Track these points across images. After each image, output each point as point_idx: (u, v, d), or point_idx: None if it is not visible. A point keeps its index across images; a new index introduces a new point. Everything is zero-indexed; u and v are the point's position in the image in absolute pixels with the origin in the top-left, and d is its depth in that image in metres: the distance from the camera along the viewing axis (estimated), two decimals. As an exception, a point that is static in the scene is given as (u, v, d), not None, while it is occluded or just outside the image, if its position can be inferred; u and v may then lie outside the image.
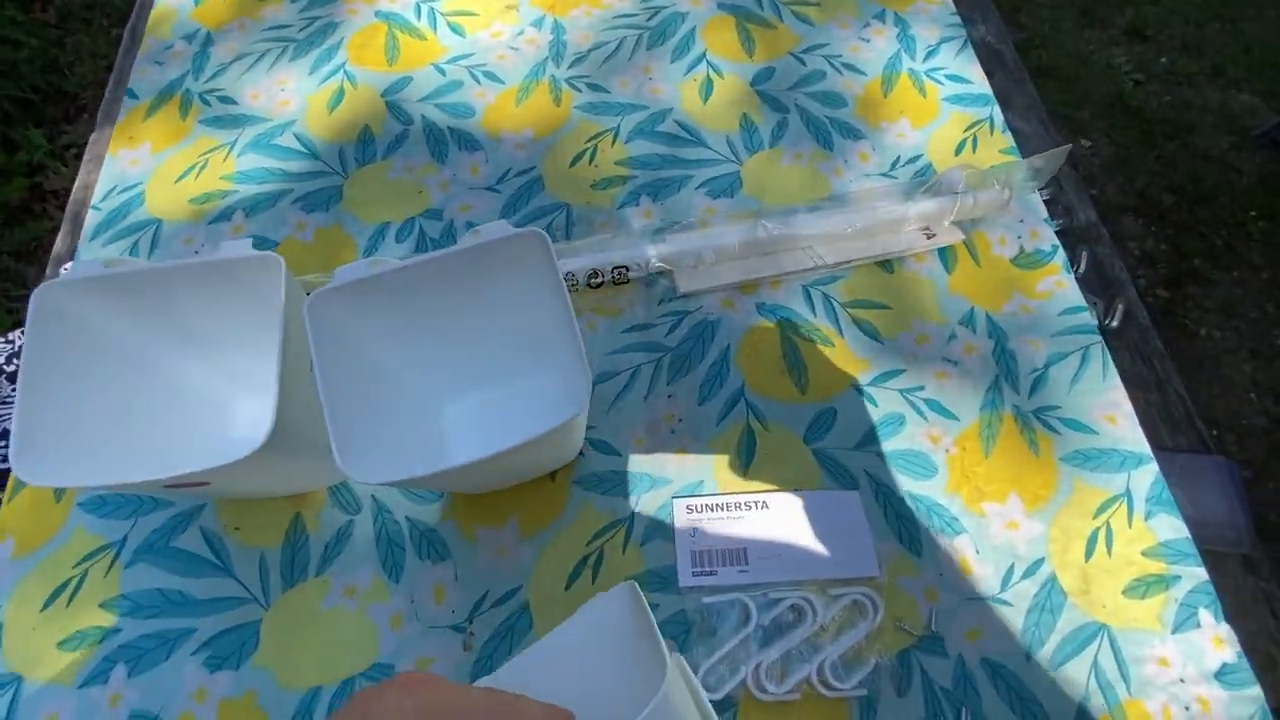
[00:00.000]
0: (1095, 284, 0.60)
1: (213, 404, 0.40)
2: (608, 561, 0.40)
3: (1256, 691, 0.38)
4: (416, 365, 0.39)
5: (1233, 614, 0.41)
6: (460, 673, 0.38)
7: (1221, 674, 0.38)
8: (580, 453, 0.43)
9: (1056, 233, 0.59)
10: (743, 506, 0.41)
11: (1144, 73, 1.82)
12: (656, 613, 0.39)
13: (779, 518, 0.41)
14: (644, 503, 0.42)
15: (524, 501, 0.42)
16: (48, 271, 0.51)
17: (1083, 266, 0.62)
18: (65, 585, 0.40)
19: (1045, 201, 0.58)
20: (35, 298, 0.33)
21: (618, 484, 0.42)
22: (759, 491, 0.42)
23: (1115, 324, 0.55)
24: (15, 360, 0.57)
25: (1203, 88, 1.79)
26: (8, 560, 0.40)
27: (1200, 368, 1.48)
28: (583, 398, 0.32)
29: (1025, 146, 0.61)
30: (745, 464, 0.43)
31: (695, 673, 0.37)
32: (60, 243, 0.52)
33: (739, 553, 0.40)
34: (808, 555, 0.40)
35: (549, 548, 0.41)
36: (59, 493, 0.42)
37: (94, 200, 0.52)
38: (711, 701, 0.36)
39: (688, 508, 0.41)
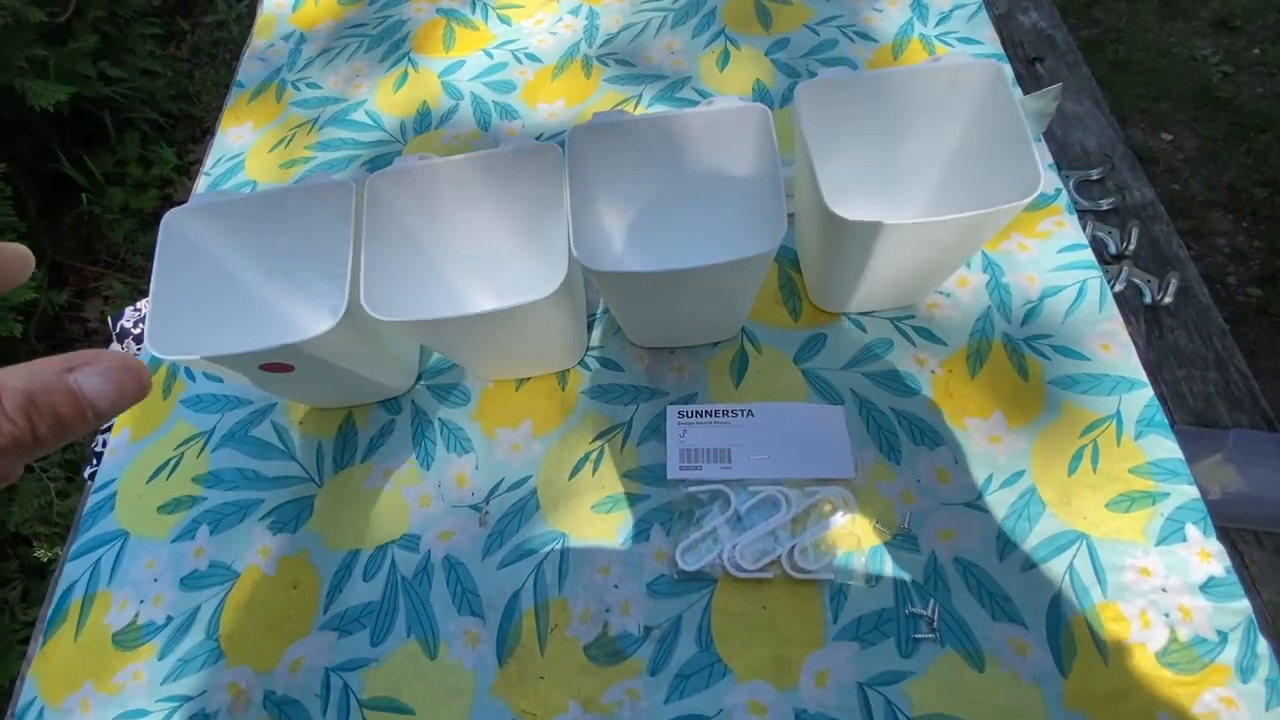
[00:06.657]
0: (1150, 261, 0.60)
1: (293, 306, 0.48)
2: (606, 457, 0.45)
3: (1244, 604, 0.38)
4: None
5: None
6: (476, 544, 0.43)
7: (1208, 586, 0.38)
8: (586, 367, 0.48)
9: (1108, 211, 0.60)
10: (729, 414, 0.45)
11: (1233, 64, 1.71)
12: (647, 502, 0.43)
13: (763, 425, 0.44)
14: (642, 411, 0.46)
15: (538, 407, 0.47)
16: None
17: (1133, 243, 0.62)
18: (166, 464, 0.49)
19: (1095, 181, 0.59)
20: (164, 221, 0.42)
21: (620, 394, 0.47)
22: (747, 402, 0.46)
23: (1168, 300, 0.55)
24: (142, 325, 0.68)
25: (1301, 76, 1.67)
26: (124, 443, 0.50)
27: (1298, 370, 1.36)
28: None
29: (1077, 126, 0.62)
30: (737, 381, 0.47)
31: (676, 549, 0.41)
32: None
33: (723, 452, 0.44)
34: (787, 457, 0.43)
35: (556, 445, 0.46)
36: (166, 390, 0.51)
37: (205, 168, 0.63)
38: (690, 575, 0.40)
39: (680, 414, 0.45)
